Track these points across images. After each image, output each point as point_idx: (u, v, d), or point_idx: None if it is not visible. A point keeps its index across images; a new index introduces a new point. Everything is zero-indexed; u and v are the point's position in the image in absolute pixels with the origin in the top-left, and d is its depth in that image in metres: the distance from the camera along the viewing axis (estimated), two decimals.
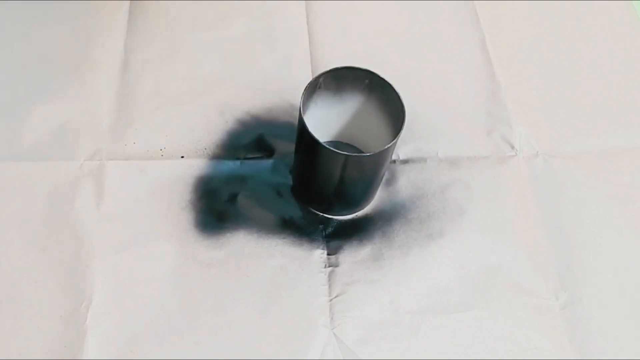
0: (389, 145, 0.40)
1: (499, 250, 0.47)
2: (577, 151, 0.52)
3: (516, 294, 0.45)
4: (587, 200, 0.50)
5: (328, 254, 0.46)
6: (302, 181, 0.48)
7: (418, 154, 0.51)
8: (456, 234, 0.47)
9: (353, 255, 0.46)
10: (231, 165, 0.49)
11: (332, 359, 0.42)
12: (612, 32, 0.60)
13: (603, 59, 0.58)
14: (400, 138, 0.40)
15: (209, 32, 0.56)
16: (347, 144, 0.50)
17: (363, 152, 0.49)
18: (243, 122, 0.51)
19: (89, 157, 0.48)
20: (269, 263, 0.45)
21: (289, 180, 0.49)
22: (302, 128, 0.41)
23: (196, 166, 0.49)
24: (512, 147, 0.52)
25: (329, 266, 0.45)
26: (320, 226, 0.47)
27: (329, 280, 0.45)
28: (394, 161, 0.50)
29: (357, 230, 0.47)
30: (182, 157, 0.49)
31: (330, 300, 0.44)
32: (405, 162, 0.51)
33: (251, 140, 0.50)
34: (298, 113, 0.41)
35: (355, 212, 0.48)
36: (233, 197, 0.48)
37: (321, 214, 0.48)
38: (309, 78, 0.51)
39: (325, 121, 0.47)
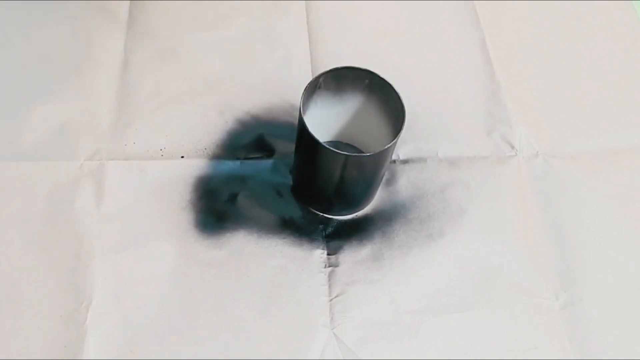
0: (389, 145, 0.40)
1: (499, 250, 0.47)
2: (577, 151, 0.52)
3: (516, 294, 0.45)
4: (587, 200, 0.50)
5: (328, 254, 0.46)
6: (302, 181, 0.48)
7: (418, 154, 0.51)
8: (456, 234, 0.47)
9: (353, 255, 0.46)
10: (231, 165, 0.49)
11: (332, 359, 0.42)
12: (612, 32, 0.60)
13: (603, 59, 0.58)
14: (400, 138, 0.40)
15: (209, 32, 0.56)
16: (347, 144, 0.50)
17: (363, 152, 0.49)
18: (243, 122, 0.51)
19: (89, 157, 0.48)
20: (269, 263, 0.45)
21: (289, 180, 0.49)
22: (302, 128, 0.41)
23: (196, 166, 0.49)
24: (512, 147, 0.52)
25: (329, 266, 0.45)
26: (320, 226, 0.47)
27: (329, 280, 0.45)
28: (394, 161, 0.50)
29: (357, 230, 0.47)
30: (182, 157, 0.49)
31: (330, 300, 0.44)
32: (405, 162, 0.51)
33: (251, 140, 0.50)
34: (298, 113, 0.41)
35: (355, 212, 0.48)
36: (233, 197, 0.48)
37: (321, 214, 0.48)
38: (309, 78, 0.51)
39: (325, 121, 0.47)
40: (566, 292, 0.45)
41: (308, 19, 0.58)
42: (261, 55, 0.55)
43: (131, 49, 0.54)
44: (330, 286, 0.44)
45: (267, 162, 0.49)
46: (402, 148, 0.51)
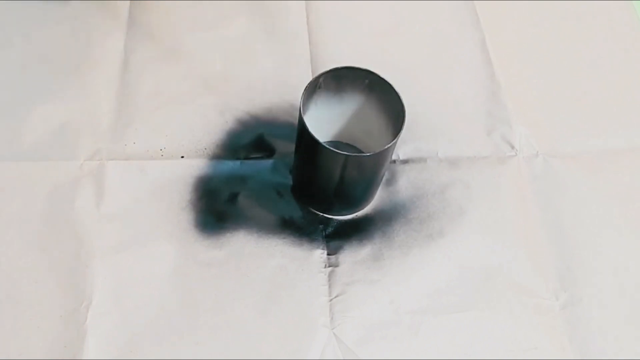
0: (389, 145, 0.40)
1: (499, 250, 0.47)
2: (577, 151, 0.52)
3: (516, 294, 0.45)
4: (587, 200, 0.50)
5: (328, 254, 0.46)
6: (302, 181, 0.48)
7: (418, 154, 0.51)
8: (456, 234, 0.47)
9: (353, 255, 0.46)
10: (231, 165, 0.49)
11: (332, 359, 0.42)
12: (612, 32, 0.60)
13: (603, 59, 0.58)
14: (400, 138, 0.40)
15: (209, 32, 0.56)
16: (347, 144, 0.50)
17: (363, 152, 0.49)
18: (243, 122, 0.51)
19: (89, 157, 0.48)
20: (269, 263, 0.45)
21: (289, 180, 0.49)
22: (302, 128, 0.41)
23: (196, 166, 0.49)
24: (512, 147, 0.52)
25: (329, 266, 0.45)
26: (320, 226, 0.47)
27: (329, 280, 0.45)
28: (394, 161, 0.50)
29: (357, 230, 0.47)
30: (182, 157, 0.49)
31: (330, 300, 0.44)
32: (405, 162, 0.51)
33: (251, 140, 0.50)
34: (298, 113, 0.41)
35: (355, 212, 0.48)
36: (233, 197, 0.48)
37: (321, 214, 0.48)
38: (309, 78, 0.51)
39: (325, 121, 0.47)
40: (566, 292, 0.45)
41: (308, 19, 0.58)
42: (261, 55, 0.55)
43: (131, 49, 0.54)
44: (330, 286, 0.44)
45: (267, 162, 0.49)
46: (402, 148, 0.51)
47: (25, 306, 0.42)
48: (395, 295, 0.44)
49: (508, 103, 0.54)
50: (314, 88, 0.43)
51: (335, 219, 0.47)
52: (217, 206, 0.47)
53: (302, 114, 0.41)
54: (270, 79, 0.54)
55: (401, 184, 0.49)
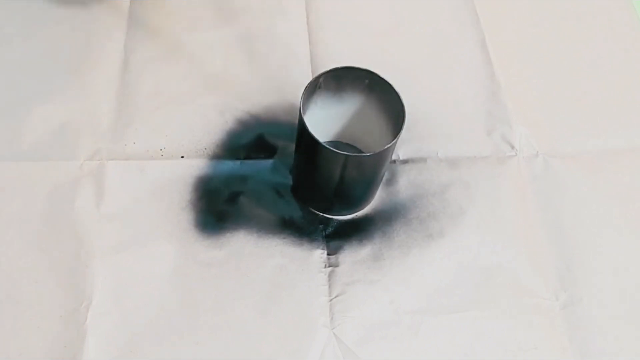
0: (389, 145, 0.40)
1: (499, 250, 0.47)
2: (577, 151, 0.52)
3: (516, 294, 0.45)
4: (587, 200, 0.50)
5: (328, 254, 0.46)
6: (302, 181, 0.48)
7: (418, 154, 0.51)
8: (456, 234, 0.47)
9: (353, 255, 0.46)
10: (231, 165, 0.49)
11: (332, 359, 0.42)
12: (612, 32, 0.60)
13: (603, 59, 0.58)
14: (400, 138, 0.40)
15: (209, 32, 0.56)
16: (347, 144, 0.50)
17: (363, 152, 0.49)
18: (243, 122, 0.51)
19: (89, 157, 0.48)
20: (269, 263, 0.45)
21: (289, 180, 0.49)
22: (302, 128, 0.41)
23: (196, 166, 0.49)
24: (512, 147, 0.52)
25: (329, 266, 0.45)
26: (320, 226, 0.47)
27: (329, 280, 0.45)
28: (394, 161, 0.50)
29: (357, 230, 0.47)
30: (182, 157, 0.49)
31: (330, 300, 0.44)
32: (405, 162, 0.51)
33: (251, 140, 0.50)
34: (298, 113, 0.41)
35: (355, 212, 0.48)
36: (233, 197, 0.48)
37: (321, 214, 0.48)
38: (309, 78, 0.51)
39: (325, 121, 0.47)
40: (566, 292, 0.45)
41: (308, 19, 0.58)
42: (261, 55, 0.55)
43: (131, 49, 0.54)
44: (330, 286, 0.44)
45: (267, 162, 0.49)
46: (402, 148, 0.51)
47: (25, 306, 0.42)
48: (395, 295, 0.44)
49: (508, 103, 0.54)
50: (314, 88, 0.43)
51: (335, 219, 0.47)
52: (217, 206, 0.47)
53: (302, 114, 0.41)
54: (270, 79, 0.54)
55: (401, 184, 0.49)
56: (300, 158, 0.46)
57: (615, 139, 0.53)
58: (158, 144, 0.50)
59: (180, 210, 0.47)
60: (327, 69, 0.42)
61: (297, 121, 0.42)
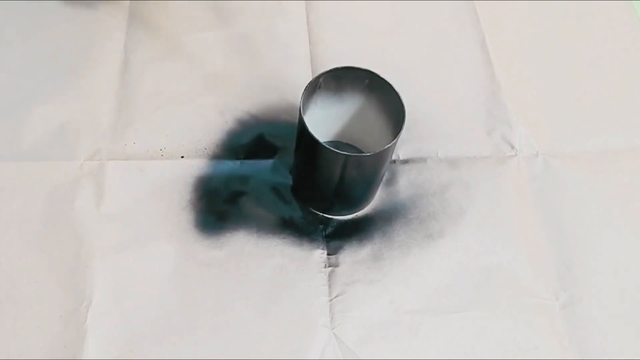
0: (389, 145, 0.40)
1: (499, 250, 0.47)
2: (577, 151, 0.52)
3: (516, 294, 0.45)
4: (587, 200, 0.50)
5: (328, 254, 0.46)
6: (302, 181, 0.48)
7: (418, 154, 0.51)
8: (456, 234, 0.47)
9: (353, 255, 0.46)
10: (231, 165, 0.49)
11: (332, 359, 0.42)
12: (612, 32, 0.60)
13: (603, 59, 0.58)
14: (400, 138, 0.40)
15: (209, 32, 0.56)
16: (347, 144, 0.50)
17: (363, 152, 0.49)
18: (243, 122, 0.51)
19: (89, 157, 0.48)
20: (269, 263, 0.45)
21: (289, 180, 0.49)
22: (302, 128, 0.41)
23: (196, 166, 0.49)
24: (512, 147, 0.52)
25: (329, 266, 0.45)
26: (320, 226, 0.47)
27: (329, 280, 0.45)
28: (394, 161, 0.50)
29: (357, 230, 0.47)
30: (182, 157, 0.49)
31: (330, 300, 0.44)
32: (405, 162, 0.51)
33: (251, 140, 0.50)
34: (298, 113, 0.41)
35: (355, 212, 0.48)
36: (233, 197, 0.48)
37: (321, 214, 0.48)
38: (309, 78, 0.51)
39: (325, 121, 0.47)
40: (566, 292, 0.45)
41: (308, 19, 0.58)
42: (261, 55, 0.55)
43: (131, 49, 0.54)
44: (330, 286, 0.44)
45: (267, 162, 0.49)
46: (402, 148, 0.51)
47: (25, 306, 0.42)
48: (395, 295, 0.44)
49: (508, 103, 0.54)
50: (314, 88, 0.43)
51: (335, 219, 0.47)
52: (217, 206, 0.47)
53: (302, 114, 0.41)
54: (270, 79, 0.54)
55: (401, 184, 0.49)
56: (300, 158, 0.46)
57: (615, 139, 0.53)
58: (158, 144, 0.50)
59: (180, 210, 0.47)
60: (327, 69, 0.42)
61: (297, 121, 0.42)
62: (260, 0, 0.59)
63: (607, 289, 0.46)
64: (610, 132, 0.54)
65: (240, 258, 0.45)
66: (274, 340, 0.42)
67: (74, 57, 0.53)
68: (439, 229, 0.47)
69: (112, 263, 0.44)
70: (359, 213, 0.48)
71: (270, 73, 0.54)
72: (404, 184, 0.49)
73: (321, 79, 0.42)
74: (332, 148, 0.40)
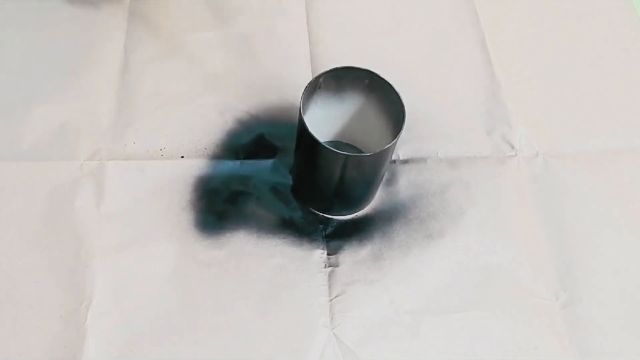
0: (389, 145, 0.40)
1: (499, 250, 0.47)
2: (577, 151, 0.52)
3: (516, 294, 0.45)
4: (587, 200, 0.50)
5: (328, 254, 0.46)
6: (302, 181, 0.48)
7: (418, 154, 0.51)
8: (456, 234, 0.47)
9: (353, 255, 0.46)
10: (231, 165, 0.49)
11: (332, 359, 0.42)
12: (612, 32, 0.60)
13: (603, 59, 0.58)
14: (400, 138, 0.40)
15: (209, 32, 0.56)
16: (347, 144, 0.50)
17: (363, 152, 0.49)
18: (243, 122, 0.51)
19: (89, 157, 0.48)
20: (269, 263, 0.45)
21: (289, 180, 0.49)
22: (302, 128, 0.41)
23: (196, 166, 0.49)
24: (512, 147, 0.52)
25: (329, 266, 0.45)
26: (320, 226, 0.47)
27: (329, 280, 0.45)
28: (394, 161, 0.50)
29: (357, 230, 0.47)
30: (182, 157, 0.49)
31: (330, 300, 0.44)
32: (405, 162, 0.51)
33: (251, 140, 0.50)
34: (298, 113, 0.41)
35: (355, 212, 0.48)
36: (233, 197, 0.48)
37: (321, 214, 0.48)
38: (309, 78, 0.51)
39: (325, 121, 0.47)
40: (566, 292, 0.45)
41: (308, 19, 0.58)
42: (261, 55, 0.55)
43: (131, 49, 0.54)
44: (330, 286, 0.44)
45: (267, 162, 0.49)
46: (402, 148, 0.51)
47: (25, 306, 0.42)
48: (395, 295, 0.44)
49: (508, 103, 0.54)
50: (314, 88, 0.43)
51: (335, 219, 0.47)
52: (217, 206, 0.47)
53: (302, 114, 0.41)
54: (270, 79, 0.54)
55: (401, 184, 0.49)
56: (300, 158, 0.46)
57: (615, 139, 0.53)
58: (158, 144, 0.50)
59: (180, 210, 0.47)
60: (327, 69, 0.42)
61: (297, 121, 0.42)
62: (260, 0, 0.59)
63: (607, 289, 0.46)
64: (610, 132, 0.54)
65: (240, 258, 0.45)
66: (274, 340, 0.42)
67: (74, 57, 0.53)
68: (439, 229, 0.47)
69: (112, 263, 0.44)
70: (359, 213, 0.48)
71: (270, 73, 0.54)
72: (404, 184, 0.49)
73: (321, 79, 0.42)
74: (332, 148, 0.40)
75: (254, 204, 0.47)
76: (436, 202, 0.49)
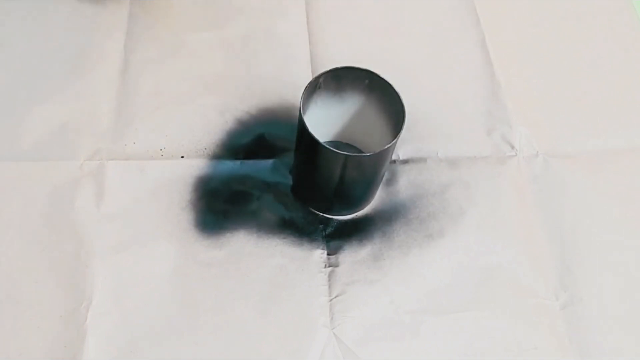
0: (389, 145, 0.40)
1: (499, 250, 0.47)
2: (577, 151, 0.52)
3: (516, 294, 0.45)
4: (587, 200, 0.50)
5: (328, 254, 0.46)
6: (302, 181, 0.48)
7: (418, 154, 0.51)
8: (456, 234, 0.47)
9: (353, 255, 0.46)
10: (231, 165, 0.49)
11: (332, 359, 0.42)
12: (612, 32, 0.60)
13: (603, 59, 0.58)
14: (400, 138, 0.40)
15: (209, 32, 0.56)
16: (347, 144, 0.50)
17: (363, 152, 0.49)
18: (243, 122, 0.51)
19: (89, 157, 0.48)
20: (269, 263, 0.45)
21: (289, 180, 0.49)
22: (302, 128, 0.41)
23: (196, 166, 0.49)
24: (512, 147, 0.52)
25: (329, 266, 0.45)
26: (320, 226, 0.47)
27: (329, 280, 0.45)
28: (394, 161, 0.50)
29: (357, 230, 0.47)
30: (182, 157, 0.49)
31: (330, 300, 0.44)
32: (405, 162, 0.51)
33: (251, 140, 0.50)
34: (298, 113, 0.41)
35: (355, 212, 0.48)
36: (233, 197, 0.48)
37: (321, 214, 0.48)
38: (309, 78, 0.51)
39: (325, 121, 0.47)
40: (566, 292, 0.45)
41: (308, 19, 0.58)
42: (261, 55, 0.55)
43: (131, 49, 0.54)
44: (330, 286, 0.44)
45: (267, 162, 0.49)
46: (402, 148, 0.51)
47: (25, 306, 0.42)
48: (395, 295, 0.44)
49: (508, 103, 0.54)
50: (314, 88, 0.43)
51: (335, 219, 0.47)
52: (217, 206, 0.47)
53: (302, 114, 0.41)
54: (270, 79, 0.54)
55: (401, 184, 0.49)
56: (300, 158, 0.46)
57: (615, 139, 0.53)
58: (158, 144, 0.50)
59: (180, 210, 0.47)
60: (327, 69, 0.42)
61: (297, 121, 0.42)
62: (260, 0, 0.59)
63: (607, 289, 0.46)
64: (610, 132, 0.54)
65: (240, 258, 0.45)
66: (274, 340, 0.42)
67: (74, 57, 0.53)
68: (439, 229, 0.47)
69: (112, 263, 0.44)
70: (359, 213, 0.48)
71: (270, 73, 0.54)
72: (404, 184, 0.49)
73: (321, 79, 0.42)
74: (332, 148, 0.40)
75: (253, 204, 0.47)
76: (436, 202, 0.49)
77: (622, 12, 0.61)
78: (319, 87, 0.43)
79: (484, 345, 0.43)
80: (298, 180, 0.48)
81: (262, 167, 0.49)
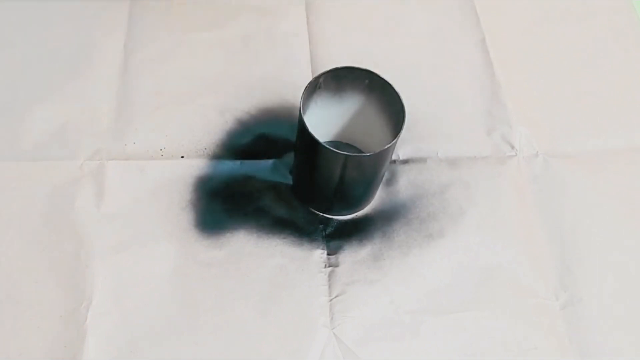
0: (389, 145, 0.40)
1: (499, 250, 0.47)
2: (577, 151, 0.52)
3: (516, 294, 0.45)
4: (587, 200, 0.50)
5: (328, 254, 0.46)
6: (302, 181, 0.48)
7: (418, 154, 0.51)
8: (456, 234, 0.47)
9: (353, 255, 0.46)
10: (231, 165, 0.49)
11: (332, 359, 0.42)
12: (612, 32, 0.60)
13: (603, 59, 0.58)
14: (400, 138, 0.40)
15: (209, 32, 0.56)
16: (347, 144, 0.50)
17: (363, 152, 0.49)
18: (243, 122, 0.51)
19: (89, 157, 0.48)
20: (269, 263, 0.45)
21: (289, 180, 0.49)
22: (302, 128, 0.41)
23: (196, 166, 0.49)
24: (512, 147, 0.52)
25: (329, 266, 0.45)
26: (320, 226, 0.47)
27: (329, 280, 0.45)
28: (394, 161, 0.50)
29: (357, 230, 0.47)
30: (182, 157, 0.49)
31: (330, 300, 0.44)
32: (405, 162, 0.51)
33: (251, 140, 0.50)
34: (298, 113, 0.41)
35: (355, 212, 0.48)
36: (233, 197, 0.48)
37: (321, 214, 0.48)
38: (309, 78, 0.51)
39: (325, 121, 0.47)
40: (566, 292, 0.45)
41: (308, 19, 0.58)
42: (261, 55, 0.55)
43: (131, 49, 0.54)
44: (330, 286, 0.44)
45: (267, 162, 0.49)
46: (402, 148, 0.51)
47: (25, 306, 0.42)
48: (395, 295, 0.44)
49: (508, 103, 0.54)
50: (314, 88, 0.43)
51: (335, 219, 0.47)
52: (217, 206, 0.47)
53: (302, 114, 0.41)
54: (270, 79, 0.54)
55: (401, 184, 0.49)
56: (300, 158, 0.46)
57: (615, 139, 0.53)
58: (158, 144, 0.50)
59: (180, 210, 0.47)
60: (327, 69, 0.42)
61: (297, 121, 0.42)
62: (260, 0, 0.59)
63: (607, 289, 0.46)
64: (610, 132, 0.54)
65: (240, 258, 0.45)
66: (274, 340, 0.42)
67: (74, 57, 0.53)
68: (439, 229, 0.47)
69: (112, 263, 0.44)
70: (359, 213, 0.48)
71: (270, 73, 0.54)
72: (404, 184, 0.49)
73: (321, 79, 0.42)
74: (332, 148, 0.40)
75: (253, 204, 0.47)
76: (436, 202, 0.49)
77: (622, 12, 0.61)
78: (319, 87, 0.43)
79: (484, 345, 0.43)
80: (298, 180, 0.48)
81: (262, 167, 0.49)
